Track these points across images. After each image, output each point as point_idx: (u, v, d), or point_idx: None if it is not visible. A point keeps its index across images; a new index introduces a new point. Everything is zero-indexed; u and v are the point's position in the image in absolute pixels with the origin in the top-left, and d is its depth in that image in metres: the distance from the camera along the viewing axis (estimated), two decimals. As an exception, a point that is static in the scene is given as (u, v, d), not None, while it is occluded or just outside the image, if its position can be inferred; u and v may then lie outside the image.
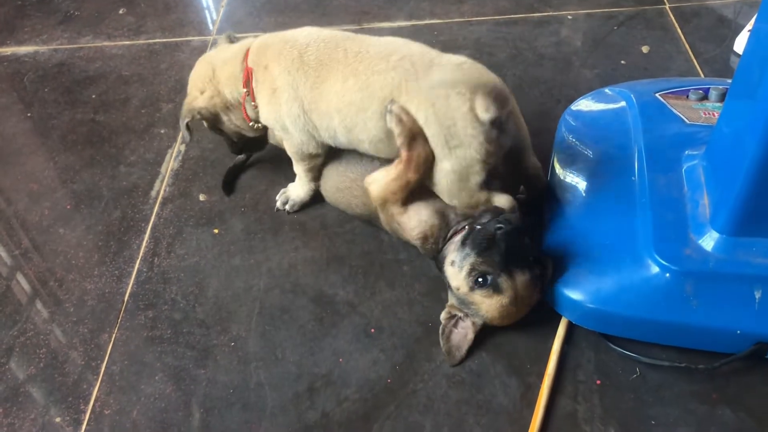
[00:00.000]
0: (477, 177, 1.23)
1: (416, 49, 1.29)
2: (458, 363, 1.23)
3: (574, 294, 1.21)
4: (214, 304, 1.37)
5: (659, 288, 1.15)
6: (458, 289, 1.22)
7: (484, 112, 1.16)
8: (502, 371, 1.22)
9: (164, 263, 1.45)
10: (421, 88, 1.21)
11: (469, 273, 1.19)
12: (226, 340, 1.30)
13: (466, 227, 1.25)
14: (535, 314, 1.27)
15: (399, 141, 1.22)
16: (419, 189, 1.29)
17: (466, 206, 1.28)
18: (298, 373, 1.24)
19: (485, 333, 1.25)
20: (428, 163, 1.24)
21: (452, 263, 1.23)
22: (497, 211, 1.22)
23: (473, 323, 1.23)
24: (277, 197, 1.53)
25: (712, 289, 1.13)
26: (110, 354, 1.31)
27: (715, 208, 1.16)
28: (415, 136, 1.21)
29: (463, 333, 1.24)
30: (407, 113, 1.21)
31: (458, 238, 1.25)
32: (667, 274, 1.14)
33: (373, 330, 1.30)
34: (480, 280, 1.18)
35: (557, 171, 1.42)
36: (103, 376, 1.27)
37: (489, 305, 1.20)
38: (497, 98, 1.17)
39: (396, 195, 1.28)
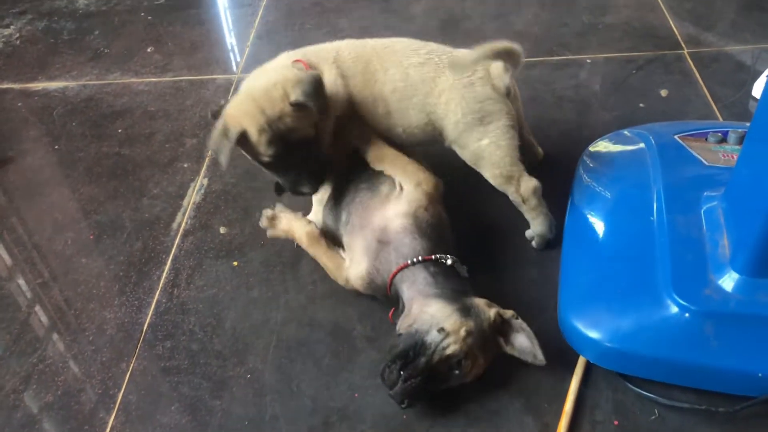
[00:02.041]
0: (514, 141, 1.39)
1: (433, 45, 1.43)
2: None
3: (592, 333, 1.21)
4: (231, 336, 1.37)
5: (678, 328, 1.14)
6: None
7: (500, 81, 1.36)
8: (520, 409, 1.21)
9: (183, 294, 1.46)
10: (448, 81, 1.36)
11: None
12: (243, 372, 1.31)
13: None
14: (554, 353, 1.27)
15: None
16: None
17: (509, 174, 1.40)
18: (313, 407, 1.24)
19: (502, 372, 1.25)
20: (307, 232, 1.40)
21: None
22: (405, 355, 1.15)
23: None
24: None
25: (733, 330, 1.13)
26: (127, 383, 1.31)
27: (735, 249, 1.16)
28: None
29: None
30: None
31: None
32: (687, 314, 1.13)
33: (389, 365, 1.30)
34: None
35: (575, 211, 1.43)
36: (119, 405, 1.28)
37: None
38: (508, 61, 1.34)
39: (330, 268, 1.39)
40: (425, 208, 1.33)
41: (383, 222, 1.32)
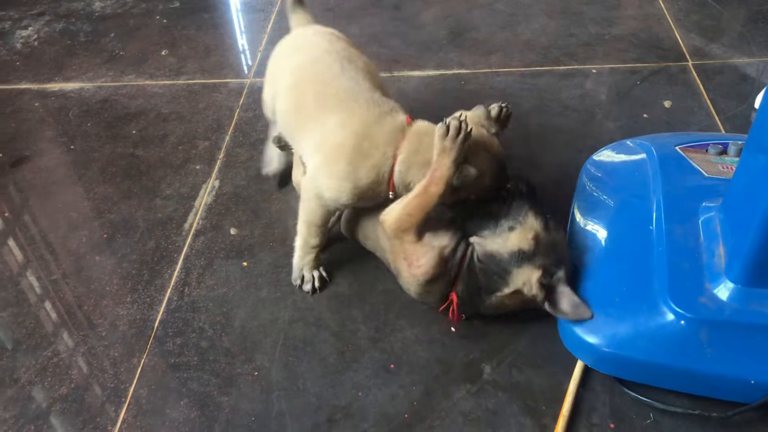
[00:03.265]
0: None
1: None
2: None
3: (590, 338, 1.24)
4: (240, 334, 1.41)
5: (674, 335, 1.17)
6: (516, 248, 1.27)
7: None
8: (518, 411, 1.24)
9: (194, 293, 1.51)
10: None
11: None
12: (250, 369, 1.35)
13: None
14: (552, 357, 1.30)
15: (436, 151, 1.28)
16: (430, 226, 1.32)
17: None
18: (318, 405, 1.28)
19: (501, 373, 1.29)
20: (448, 179, 1.28)
21: (510, 228, 1.29)
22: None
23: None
24: (294, 275, 1.51)
25: (727, 338, 1.16)
26: (138, 378, 1.35)
27: (731, 258, 1.19)
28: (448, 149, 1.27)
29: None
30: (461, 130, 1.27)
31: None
32: (682, 322, 1.16)
33: (392, 366, 1.33)
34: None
35: (577, 218, 1.46)
36: (130, 399, 1.32)
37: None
38: None
39: (413, 218, 1.29)
40: None
41: None
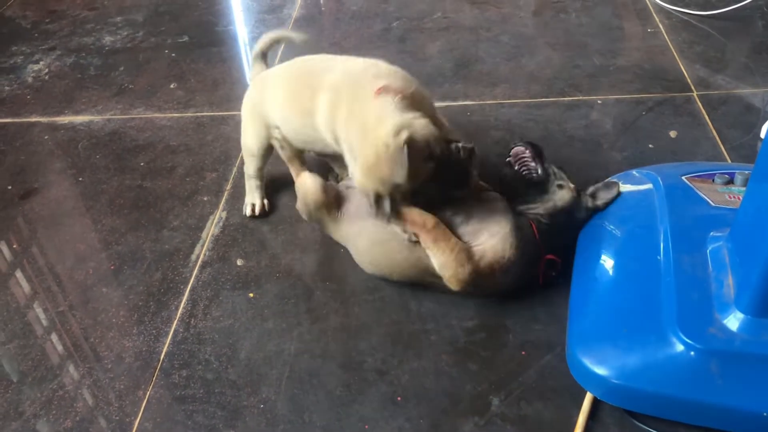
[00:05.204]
0: None
1: None
2: None
3: (599, 369, 1.23)
4: (245, 366, 1.41)
5: (684, 366, 1.16)
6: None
7: None
8: (527, 444, 1.23)
9: (200, 324, 1.50)
10: None
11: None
12: (256, 402, 1.34)
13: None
14: (561, 388, 1.29)
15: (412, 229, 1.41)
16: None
17: None
18: (324, 438, 1.27)
19: (511, 406, 1.28)
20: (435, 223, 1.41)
21: (560, 186, 1.53)
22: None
23: None
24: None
25: (738, 369, 1.14)
26: (144, 411, 1.34)
27: (740, 288, 1.18)
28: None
29: None
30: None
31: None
32: (692, 353, 1.15)
33: (399, 398, 1.32)
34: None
35: (584, 248, 1.46)
36: (135, 432, 1.31)
37: None
38: None
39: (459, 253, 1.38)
40: None
41: None
